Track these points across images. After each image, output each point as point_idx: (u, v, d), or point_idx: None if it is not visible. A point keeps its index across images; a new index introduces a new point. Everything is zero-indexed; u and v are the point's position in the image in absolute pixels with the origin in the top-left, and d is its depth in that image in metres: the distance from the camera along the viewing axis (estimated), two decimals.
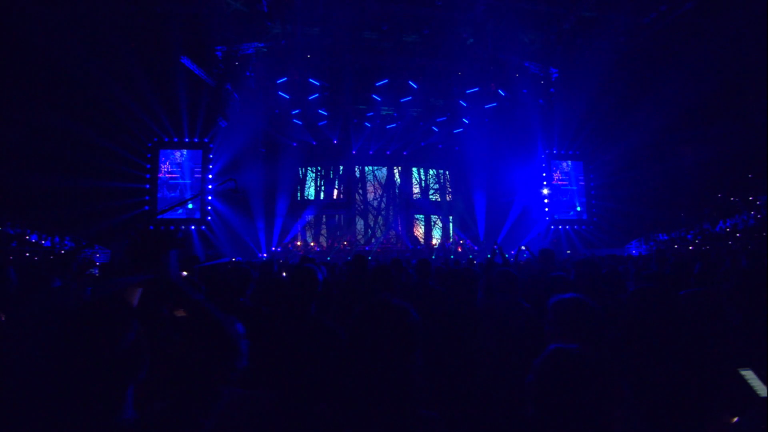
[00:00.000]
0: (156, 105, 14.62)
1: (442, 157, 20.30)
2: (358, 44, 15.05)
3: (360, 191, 20.25)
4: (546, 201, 18.06)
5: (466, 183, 19.70)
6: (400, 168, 20.45)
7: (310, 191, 19.88)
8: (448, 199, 20.82)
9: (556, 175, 18.52)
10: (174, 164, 15.91)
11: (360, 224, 19.99)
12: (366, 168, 20.37)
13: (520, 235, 16.40)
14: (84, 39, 12.18)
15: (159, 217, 15.07)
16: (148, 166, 15.64)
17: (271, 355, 1.86)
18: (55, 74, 12.24)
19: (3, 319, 2.25)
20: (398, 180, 20.55)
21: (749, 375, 1.39)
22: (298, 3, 13.10)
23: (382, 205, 20.50)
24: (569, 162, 18.62)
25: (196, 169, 15.94)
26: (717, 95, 14.41)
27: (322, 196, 19.82)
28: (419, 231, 20.60)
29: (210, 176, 15.86)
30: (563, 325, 1.54)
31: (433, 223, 20.65)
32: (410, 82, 16.49)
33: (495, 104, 17.51)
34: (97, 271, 5.66)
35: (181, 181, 15.86)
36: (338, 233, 19.30)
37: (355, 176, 20.15)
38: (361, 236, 19.70)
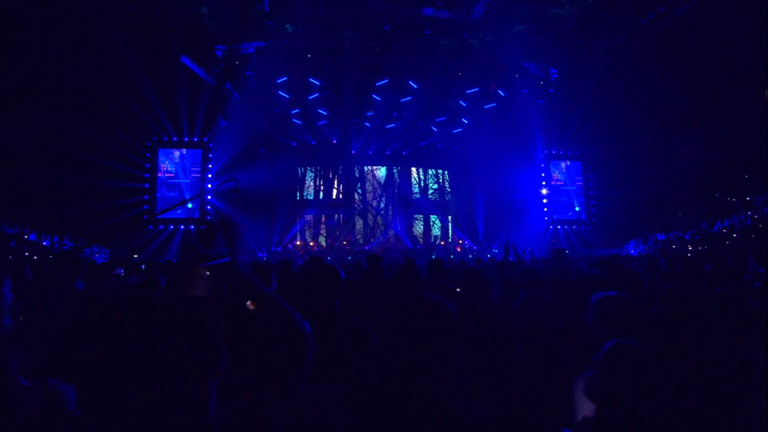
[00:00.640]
0: (155, 104, 14.56)
1: (441, 157, 20.33)
2: (358, 44, 15.04)
3: (359, 191, 20.24)
4: (545, 201, 18.16)
5: (466, 183, 19.78)
6: (399, 168, 20.47)
7: (310, 191, 19.84)
8: (447, 198, 20.86)
9: (555, 175, 18.63)
10: (173, 163, 15.83)
11: (359, 224, 19.98)
12: (365, 168, 20.36)
13: (519, 235, 16.47)
14: (84, 38, 12.10)
15: (159, 216, 14.99)
16: (148, 165, 15.57)
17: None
18: (55, 73, 12.15)
19: (21, 320, 2.23)
20: (397, 180, 20.57)
21: None
22: (299, 3, 13.07)
23: (382, 205, 20.50)
24: (568, 162, 18.74)
25: (195, 169, 15.88)
26: (715, 96, 14.55)
27: (321, 195, 19.81)
28: (418, 230, 20.62)
29: (209, 176, 15.80)
30: (609, 322, 1.58)
31: (432, 223, 20.68)
32: (410, 82, 16.51)
33: (494, 104, 17.57)
34: (122, 271, 5.61)
35: (180, 180, 15.79)
36: (338, 233, 19.28)
37: (355, 176, 20.14)
38: (360, 236, 19.69)
